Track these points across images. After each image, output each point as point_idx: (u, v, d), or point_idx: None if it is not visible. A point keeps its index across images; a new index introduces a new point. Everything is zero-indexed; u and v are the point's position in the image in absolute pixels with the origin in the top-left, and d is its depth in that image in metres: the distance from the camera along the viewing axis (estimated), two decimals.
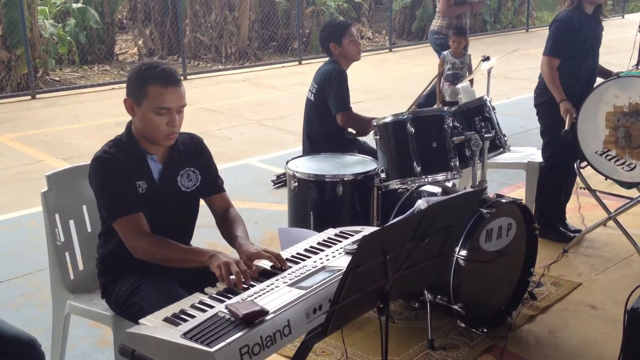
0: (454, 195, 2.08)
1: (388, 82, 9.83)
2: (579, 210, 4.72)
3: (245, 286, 2.05)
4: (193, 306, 1.97)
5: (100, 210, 2.48)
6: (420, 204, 1.94)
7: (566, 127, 3.96)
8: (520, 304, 3.38)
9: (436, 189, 3.48)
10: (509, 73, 10.12)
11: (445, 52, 6.13)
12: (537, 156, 4.43)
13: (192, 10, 12.09)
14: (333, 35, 3.99)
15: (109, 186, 2.35)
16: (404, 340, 3.14)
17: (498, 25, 15.72)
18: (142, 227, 2.33)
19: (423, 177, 3.24)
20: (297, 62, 11.83)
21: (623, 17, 17.82)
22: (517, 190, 5.15)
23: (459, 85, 4.65)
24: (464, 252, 3.01)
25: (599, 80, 4.14)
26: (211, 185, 2.59)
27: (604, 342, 3.14)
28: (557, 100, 4.02)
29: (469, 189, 3.33)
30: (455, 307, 3.05)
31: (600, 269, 3.94)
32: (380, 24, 15.64)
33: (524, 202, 3.39)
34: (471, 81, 5.33)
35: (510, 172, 5.37)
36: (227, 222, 2.54)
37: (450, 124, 3.27)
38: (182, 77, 2.88)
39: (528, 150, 4.69)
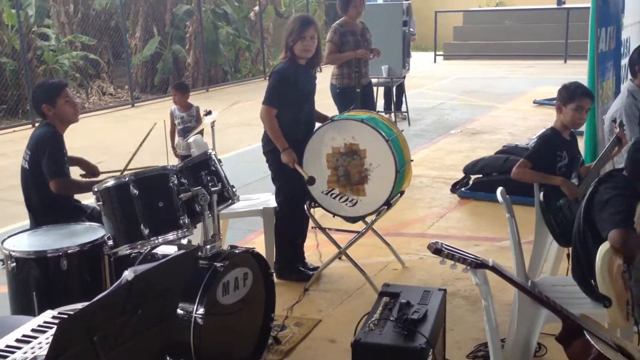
0: (163, 260, 2.04)
1: (131, 138, 9.53)
2: (317, 247, 4.98)
3: None
4: None
5: None
6: (127, 274, 1.86)
7: (305, 177, 4.10)
8: (265, 350, 3.43)
9: (172, 248, 3.43)
10: (250, 121, 10.45)
11: (172, 107, 6.19)
12: (272, 201, 4.60)
13: None
14: (46, 97, 3.78)
15: None
16: None
17: (239, 75, 16.30)
18: None
19: (152, 239, 3.17)
20: (30, 125, 11.01)
21: None
22: (262, 235, 5.29)
23: (189, 139, 4.67)
24: (201, 310, 2.98)
25: (318, 124, 4.45)
26: None
27: None
28: (280, 149, 4.22)
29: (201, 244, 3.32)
30: None
31: (338, 302, 4.18)
32: (123, 78, 15.28)
33: (256, 249, 3.48)
34: (201, 132, 5.39)
35: (254, 218, 5.51)
36: None
37: (176, 181, 3.26)
38: None
39: (264, 196, 4.85)
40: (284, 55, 4.37)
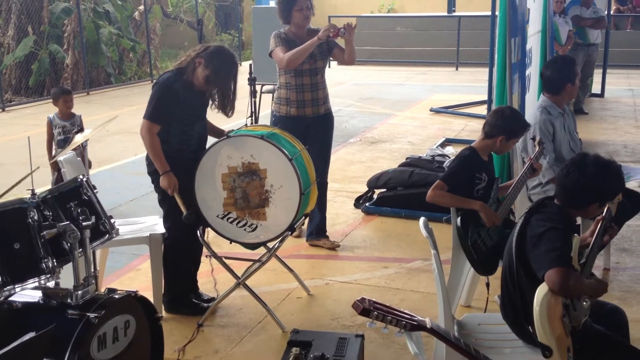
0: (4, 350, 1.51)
1: (0, 148, 8.63)
2: (212, 273, 4.45)
3: None
4: None
5: None
6: None
7: (184, 211, 3.70)
8: None
9: (35, 294, 2.83)
10: (135, 127, 9.70)
11: (51, 115, 5.51)
12: (160, 226, 4.05)
13: None
14: None
15: None
16: None
17: (123, 77, 15.32)
18: None
19: (6, 288, 2.57)
20: None
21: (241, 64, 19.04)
22: (149, 261, 4.70)
23: (60, 158, 4.01)
24: None
25: (211, 140, 3.94)
26: None
27: None
28: (160, 172, 3.70)
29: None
30: None
31: (237, 340, 3.70)
32: None
33: (141, 287, 2.96)
34: (82, 148, 4.76)
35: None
36: None
37: (36, 217, 2.67)
38: None
39: (151, 219, 4.28)
40: (176, 65, 3.82)
